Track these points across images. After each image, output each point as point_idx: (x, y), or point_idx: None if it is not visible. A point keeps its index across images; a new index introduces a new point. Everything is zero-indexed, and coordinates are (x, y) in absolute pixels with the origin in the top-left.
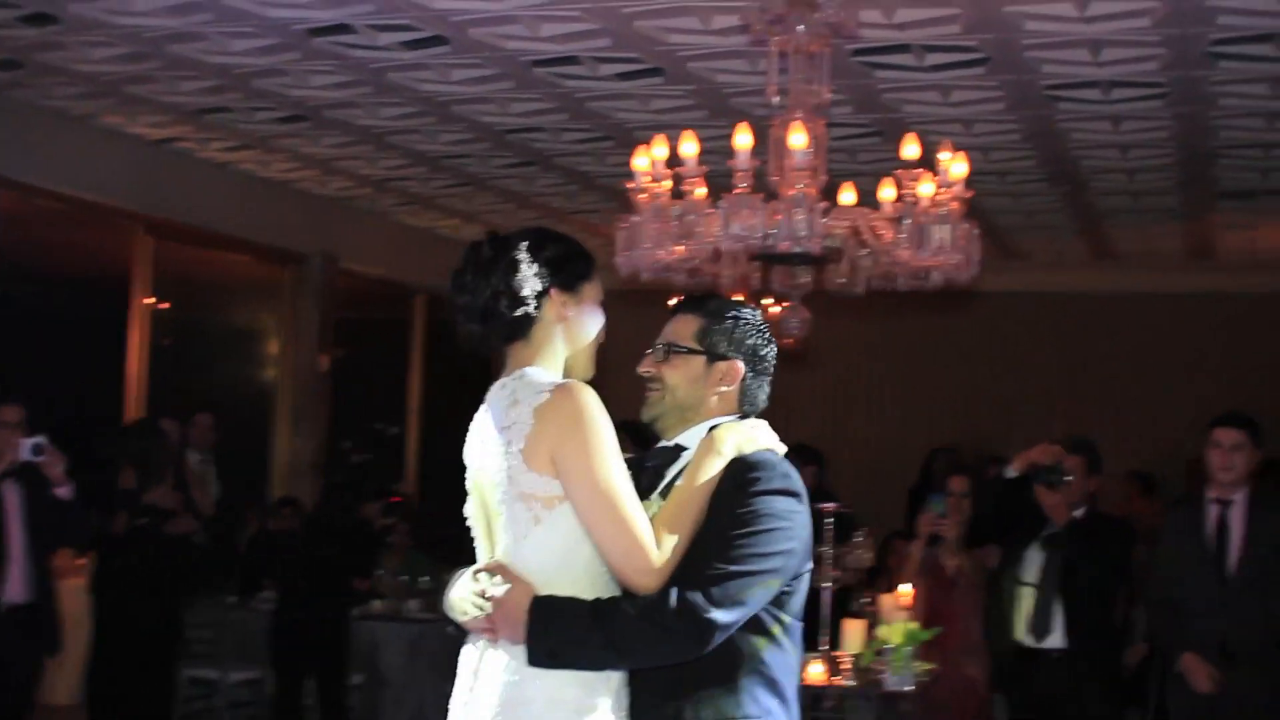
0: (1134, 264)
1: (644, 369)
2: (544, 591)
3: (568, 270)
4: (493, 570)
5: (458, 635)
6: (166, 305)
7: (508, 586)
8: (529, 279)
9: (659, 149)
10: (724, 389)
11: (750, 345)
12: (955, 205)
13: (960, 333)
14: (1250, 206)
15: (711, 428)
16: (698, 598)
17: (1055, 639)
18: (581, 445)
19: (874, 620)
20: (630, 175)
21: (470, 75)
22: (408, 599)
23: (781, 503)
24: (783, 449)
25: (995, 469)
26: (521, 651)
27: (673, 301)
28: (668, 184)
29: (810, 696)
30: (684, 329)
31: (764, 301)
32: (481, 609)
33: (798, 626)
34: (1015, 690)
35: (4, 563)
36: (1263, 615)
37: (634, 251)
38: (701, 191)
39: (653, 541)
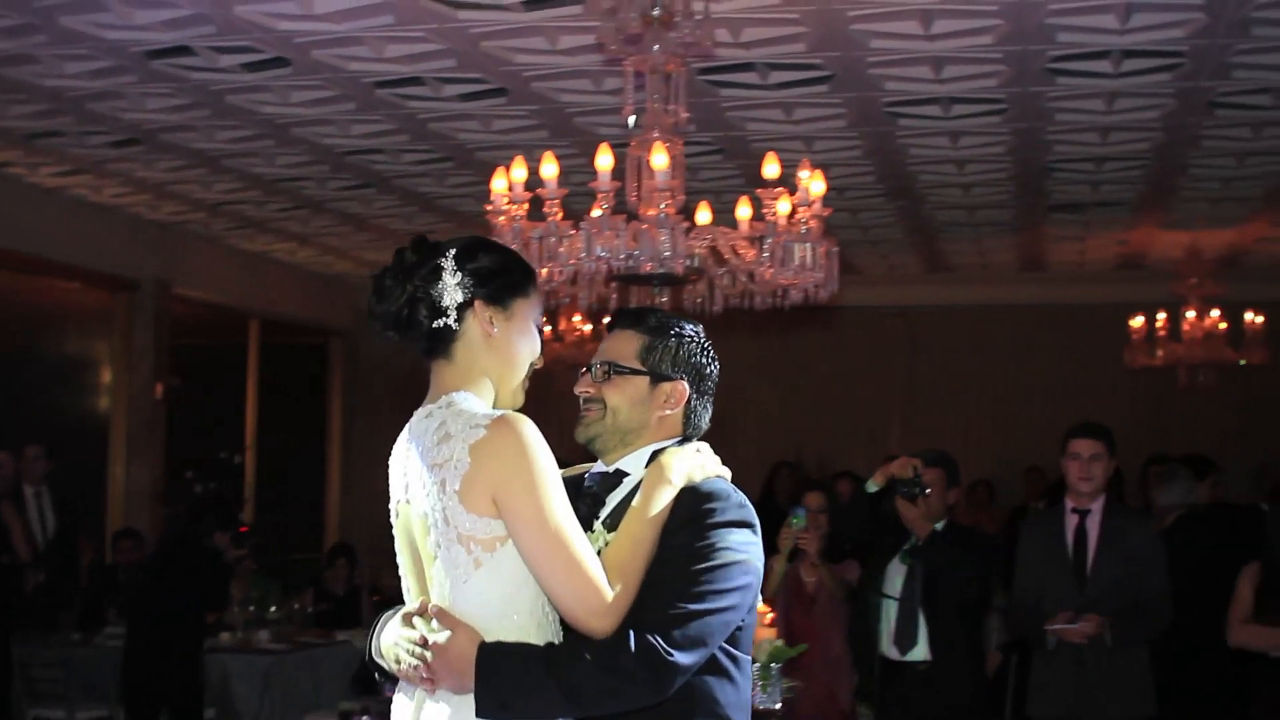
0: (967, 276)
1: (581, 389)
2: (488, 637)
3: (498, 282)
4: (430, 615)
5: (385, 682)
6: None
7: (448, 633)
8: (450, 288)
9: (517, 171)
10: (668, 411)
11: (695, 364)
12: (814, 223)
13: (796, 348)
14: (1080, 219)
15: (655, 453)
16: (658, 641)
17: (919, 651)
18: (526, 485)
19: None
20: (471, 195)
21: (311, 97)
22: (258, 630)
23: (737, 535)
24: (727, 473)
25: (847, 484)
26: (465, 702)
27: (607, 319)
28: (525, 207)
29: None
30: (625, 347)
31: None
32: (420, 657)
33: (748, 661)
34: (881, 703)
35: None
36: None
37: None
38: (559, 215)
39: (604, 581)
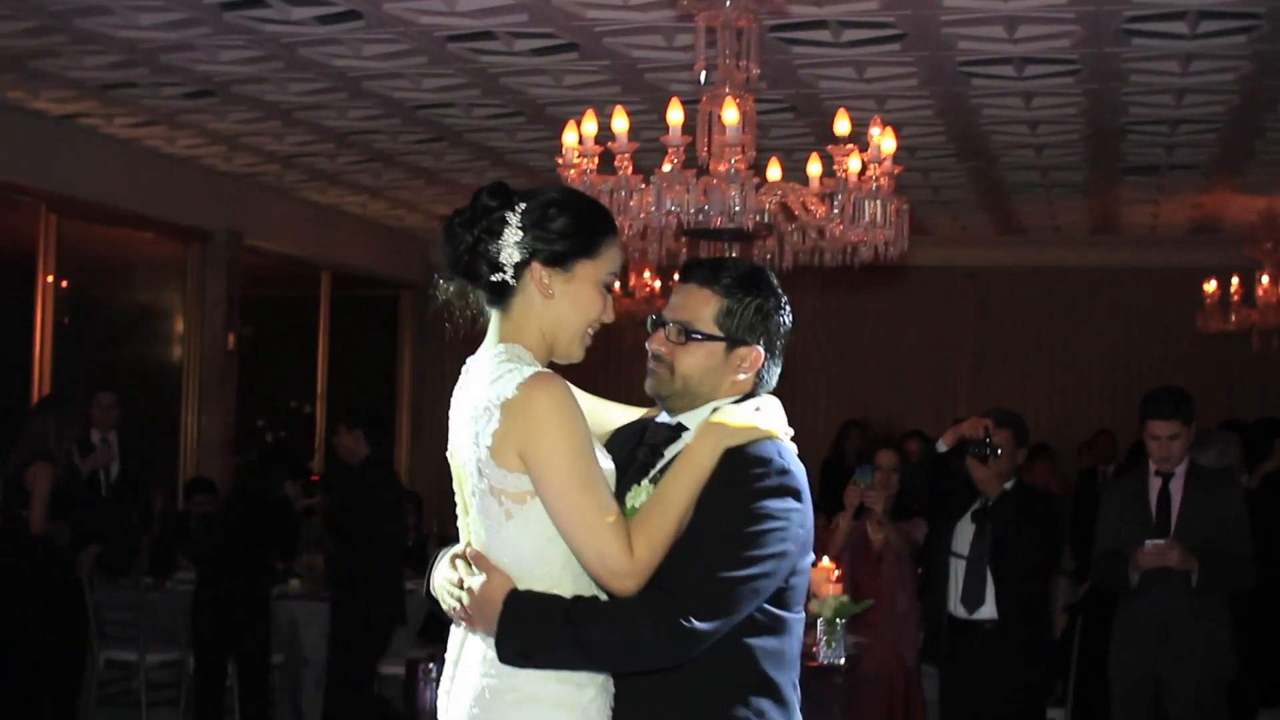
0: (1039, 238)
1: (655, 346)
2: (521, 584)
3: (560, 245)
4: (470, 559)
5: (441, 616)
6: (65, 284)
7: (483, 578)
8: (509, 245)
9: (588, 124)
10: (740, 377)
11: (772, 328)
12: (885, 181)
13: (866, 307)
14: (1154, 182)
15: (714, 409)
16: (678, 606)
17: (987, 610)
18: (551, 445)
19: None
20: (542, 150)
21: (383, 50)
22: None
23: (776, 503)
24: (786, 432)
25: (916, 444)
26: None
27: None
28: (595, 160)
29: None
30: (702, 309)
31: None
32: (458, 599)
33: (797, 620)
34: (946, 662)
35: None
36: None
37: None
38: (629, 169)
39: (626, 543)
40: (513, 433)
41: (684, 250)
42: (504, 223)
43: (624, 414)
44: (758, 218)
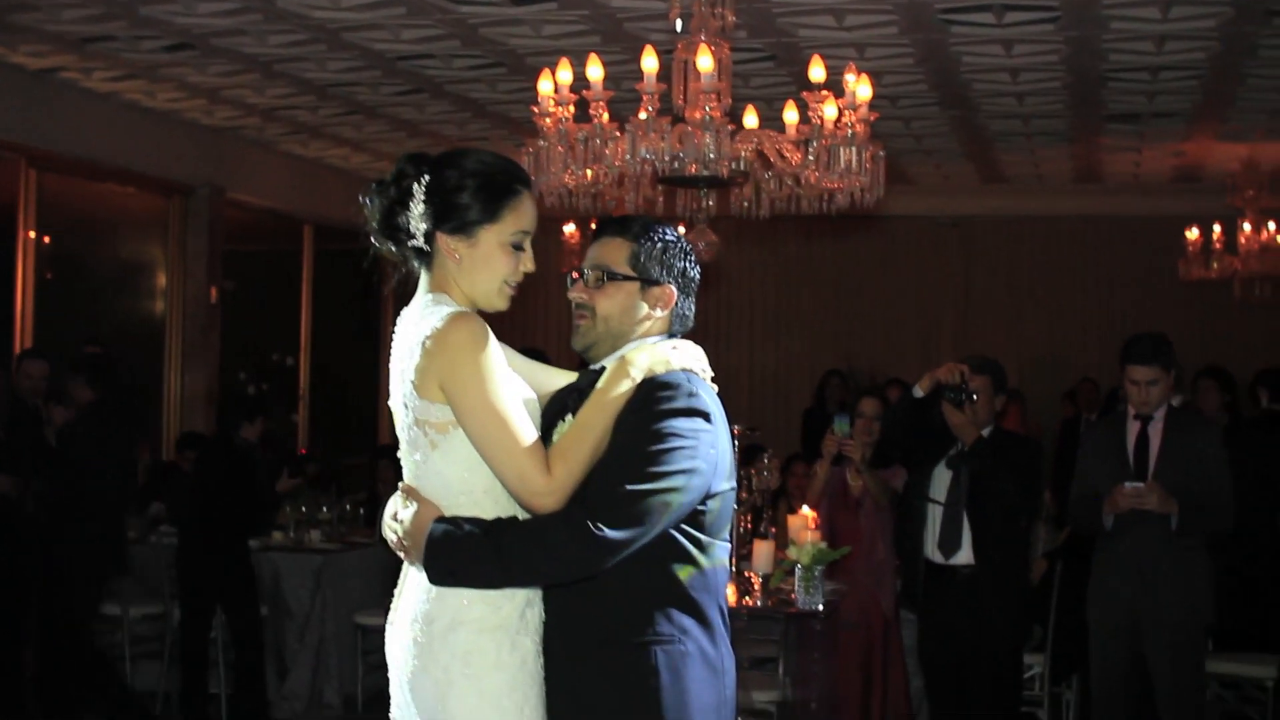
0: (1022, 187)
1: (575, 295)
2: (449, 513)
3: (462, 214)
4: (403, 492)
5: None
6: (46, 239)
7: (414, 508)
8: (416, 216)
9: (563, 73)
10: (657, 314)
11: (680, 268)
12: (861, 128)
13: (849, 257)
14: (1136, 129)
15: (635, 348)
16: (589, 516)
17: (963, 556)
18: (467, 374)
19: (781, 540)
20: (522, 101)
21: (362, 1)
22: (309, 530)
23: (684, 422)
24: (703, 368)
25: (897, 391)
26: None
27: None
28: (571, 109)
29: None
30: (614, 254)
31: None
32: (395, 530)
33: (720, 546)
34: (923, 607)
35: None
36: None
37: (540, 176)
38: (605, 116)
39: (543, 464)
40: (433, 365)
41: (660, 198)
42: (411, 194)
43: (563, 378)
44: (733, 165)
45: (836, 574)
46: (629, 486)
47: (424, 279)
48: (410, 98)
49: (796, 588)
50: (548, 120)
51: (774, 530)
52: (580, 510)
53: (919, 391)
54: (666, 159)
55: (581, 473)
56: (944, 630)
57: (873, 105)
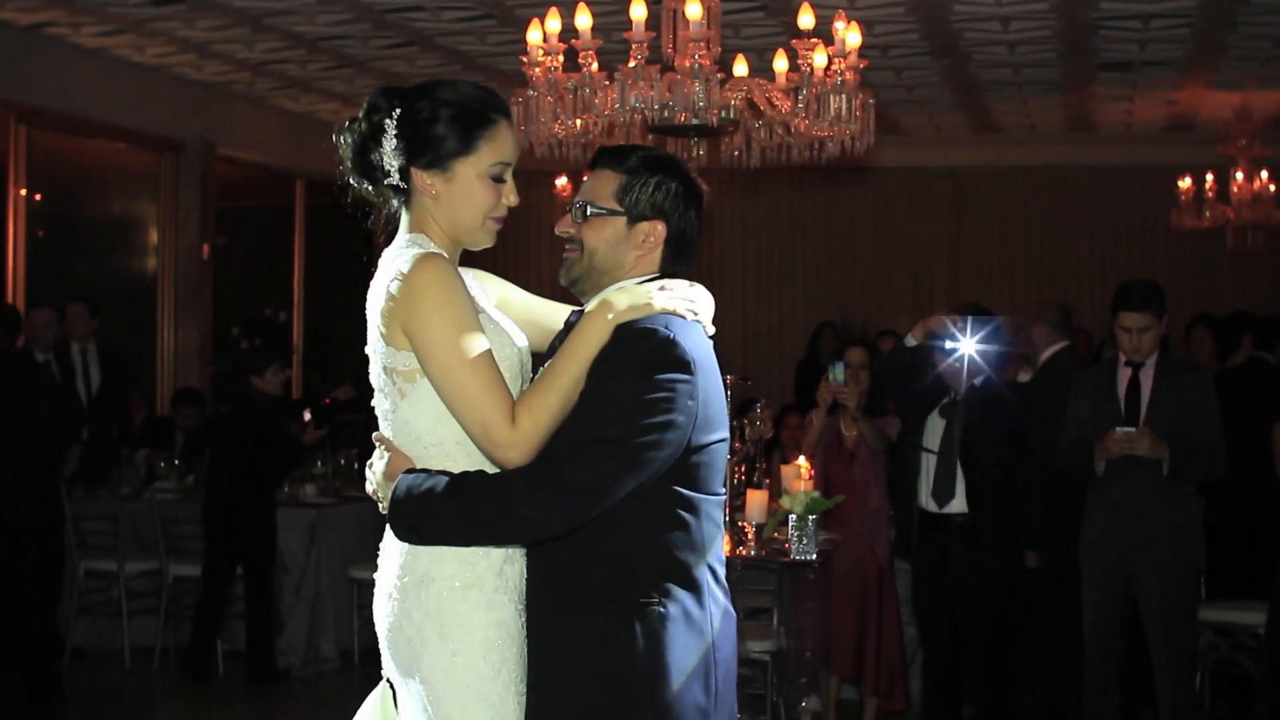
0: (1014, 137)
1: (561, 229)
2: (420, 464)
3: (436, 146)
4: (376, 442)
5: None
6: (38, 197)
7: (385, 459)
8: (389, 153)
9: (551, 23)
10: (644, 252)
11: (674, 204)
12: (850, 75)
13: (842, 209)
14: (1128, 78)
15: (617, 290)
16: (552, 472)
17: (957, 504)
18: (428, 321)
19: (775, 491)
20: (512, 54)
21: None
22: (304, 484)
23: (659, 374)
24: (693, 310)
25: (890, 342)
26: None
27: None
28: (560, 59)
29: None
30: (603, 187)
31: None
32: (371, 483)
33: (710, 501)
34: (918, 557)
35: None
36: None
37: (529, 126)
38: (594, 65)
39: (508, 415)
40: (398, 311)
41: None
42: (383, 129)
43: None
44: (722, 113)
45: (830, 524)
46: (594, 439)
47: (404, 219)
48: (400, 50)
49: (790, 537)
50: (537, 70)
51: (768, 480)
52: (544, 466)
53: (911, 341)
54: (656, 108)
55: (550, 425)
56: (938, 580)
57: (863, 54)
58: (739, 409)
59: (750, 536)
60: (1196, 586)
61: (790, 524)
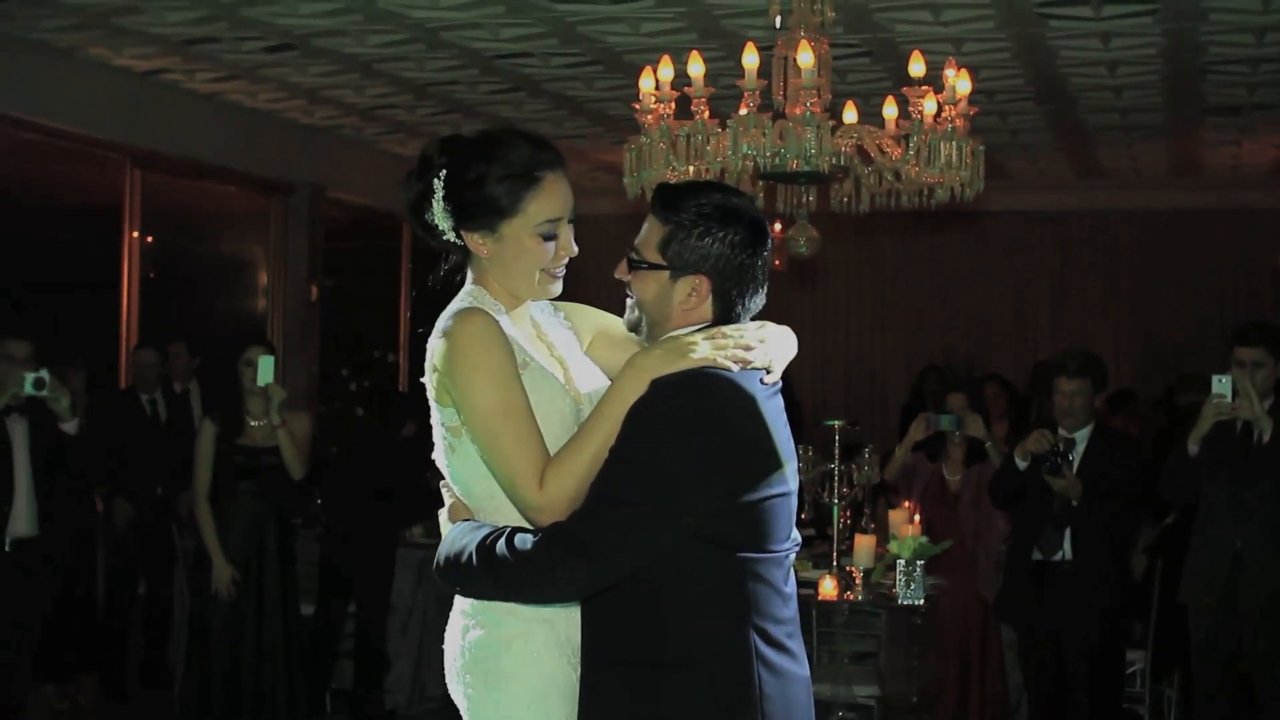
0: (1119, 181)
1: (619, 275)
2: (477, 516)
3: (480, 211)
4: (444, 490)
5: None
6: (150, 239)
7: (446, 508)
8: (438, 214)
9: (664, 70)
10: (690, 306)
11: (721, 256)
12: (961, 122)
13: (946, 253)
14: (1236, 122)
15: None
16: (570, 532)
17: (1064, 551)
18: (464, 379)
19: (881, 535)
20: (619, 99)
21: (461, 0)
22: (414, 525)
23: (681, 430)
24: (745, 359)
25: (993, 387)
26: None
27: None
28: (672, 105)
29: (822, 611)
30: (650, 237)
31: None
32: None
33: (762, 560)
34: (1024, 603)
35: (10, 497)
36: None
37: (642, 173)
38: (706, 113)
39: (537, 476)
40: (440, 368)
41: (760, 195)
42: (432, 190)
43: None
44: (833, 160)
45: (935, 568)
46: (613, 501)
47: (468, 271)
48: (508, 96)
49: (898, 582)
50: (649, 117)
51: (874, 525)
52: (564, 529)
53: (1021, 464)
54: (768, 155)
55: (579, 485)
56: (1044, 626)
57: (971, 100)
58: (846, 453)
59: (858, 581)
60: None
61: (898, 569)
